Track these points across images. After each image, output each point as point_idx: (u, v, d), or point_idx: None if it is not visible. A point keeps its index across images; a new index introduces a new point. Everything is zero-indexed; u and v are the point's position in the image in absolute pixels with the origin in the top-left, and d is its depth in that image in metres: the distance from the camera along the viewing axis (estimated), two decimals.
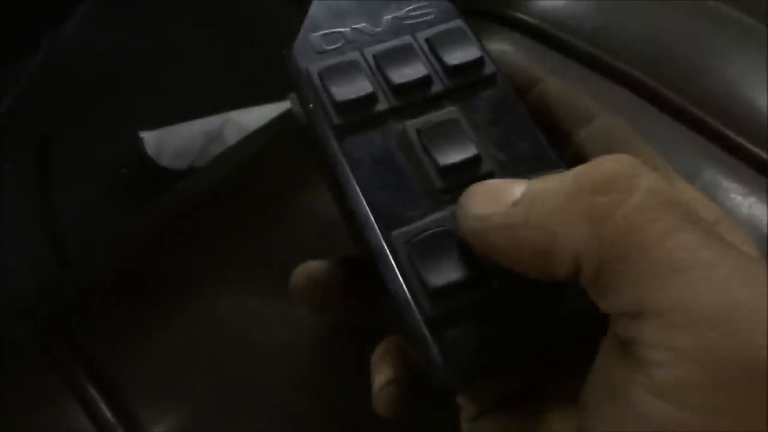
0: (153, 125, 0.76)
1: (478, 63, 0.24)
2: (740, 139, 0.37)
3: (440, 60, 0.24)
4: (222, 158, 0.44)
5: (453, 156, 0.22)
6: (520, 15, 0.39)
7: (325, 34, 0.24)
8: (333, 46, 0.24)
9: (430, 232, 0.21)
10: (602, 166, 0.18)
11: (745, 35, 0.42)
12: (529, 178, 0.19)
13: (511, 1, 0.41)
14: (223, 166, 0.42)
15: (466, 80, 0.24)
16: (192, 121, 0.77)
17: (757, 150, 0.36)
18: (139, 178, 0.76)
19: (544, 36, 0.38)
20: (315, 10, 0.25)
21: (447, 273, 0.20)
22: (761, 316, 0.16)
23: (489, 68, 0.24)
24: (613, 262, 0.17)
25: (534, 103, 0.24)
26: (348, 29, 0.25)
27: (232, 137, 0.77)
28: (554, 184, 0.18)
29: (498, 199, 0.19)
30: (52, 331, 0.35)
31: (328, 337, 0.21)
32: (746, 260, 0.17)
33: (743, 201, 0.34)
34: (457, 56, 0.24)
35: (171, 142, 0.78)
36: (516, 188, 0.19)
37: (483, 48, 0.25)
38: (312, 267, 0.23)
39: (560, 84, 0.24)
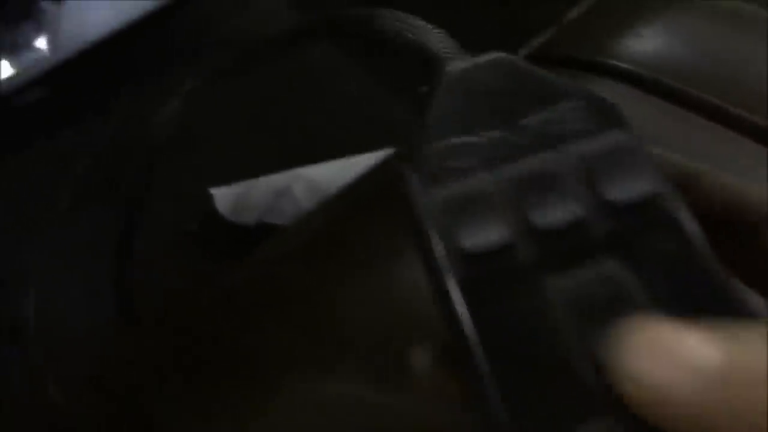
0: (223, 182, 0.77)
1: (653, 199, 0.18)
2: None
3: (600, 194, 0.18)
4: (302, 222, 0.43)
5: None
6: (617, 62, 0.37)
7: (448, 145, 0.19)
8: (459, 163, 0.19)
9: None
10: None
11: None
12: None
13: (603, 48, 0.39)
14: (305, 233, 0.40)
15: (635, 223, 0.18)
16: (262, 178, 0.78)
17: None
18: (207, 233, 0.76)
19: (650, 85, 0.36)
20: (435, 110, 0.20)
21: None
22: None
23: (668, 205, 0.18)
24: None
25: (704, 200, 0.20)
26: (477, 138, 0.19)
27: (301, 193, 0.77)
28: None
29: (675, 358, 0.14)
30: (123, 405, 0.34)
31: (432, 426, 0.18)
32: None
33: None
34: (624, 189, 0.18)
35: (240, 198, 0.79)
36: (694, 343, 0.14)
37: (659, 175, 0.18)
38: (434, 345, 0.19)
39: (728, 176, 0.20)
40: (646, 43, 0.38)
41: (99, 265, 0.64)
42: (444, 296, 0.18)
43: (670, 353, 0.14)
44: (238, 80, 0.82)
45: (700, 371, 0.14)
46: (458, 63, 0.21)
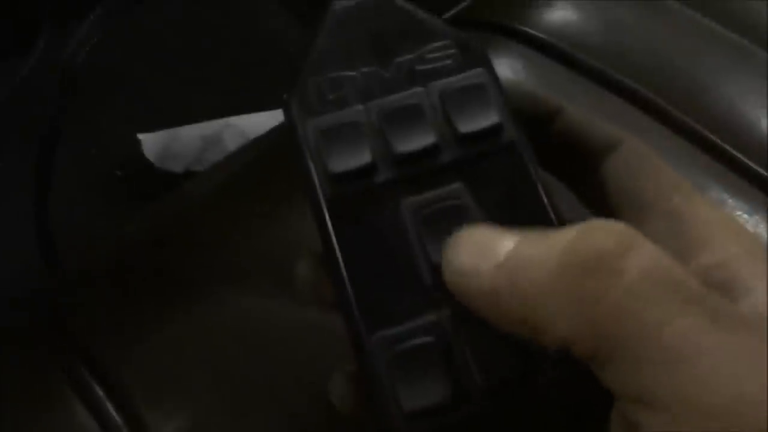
0: (152, 127, 0.76)
1: (495, 130, 0.21)
2: (740, 155, 0.38)
3: (451, 125, 0.21)
4: (224, 163, 0.44)
5: None
6: (527, 29, 0.40)
7: (329, 79, 0.22)
8: (336, 95, 0.22)
9: (413, 342, 0.19)
10: (591, 241, 0.17)
11: (742, 56, 0.43)
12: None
13: (518, 15, 0.42)
14: (225, 170, 0.42)
15: (479, 150, 0.21)
16: (192, 125, 0.77)
17: (756, 167, 0.37)
18: (133, 179, 0.76)
19: (552, 50, 0.39)
20: (320, 45, 0.22)
21: (424, 393, 0.19)
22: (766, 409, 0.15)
23: (508, 135, 0.21)
24: (610, 348, 0.16)
25: (557, 134, 0.23)
26: (355, 73, 0.22)
27: (231, 142, 0.77)
28: (542, 252, 0.17)
29: (484, 253, 0.18)
30: (52, 326, 0.35)
31: (339, 337, 0.21)
32: (755, 344, 0.16)
33: (747, 219, 0.34)
34: (471, 121, 0.21)
35: (169, 145, 0.78)
36: (503, 243, 0.18)
37: (503, 109, 0.21)
38: (314, 257, 0.22)
39: (582, 112, 0.23)
40: (557, 13, 0.42)
41: (18, 204, 0.63)
42: (317, 213, 0.21)
43: (478, 246, 0.18)
44: (175, 30, 0.81)
45: (493, 257, 0.17)
46: (344, 0, 0.23)
